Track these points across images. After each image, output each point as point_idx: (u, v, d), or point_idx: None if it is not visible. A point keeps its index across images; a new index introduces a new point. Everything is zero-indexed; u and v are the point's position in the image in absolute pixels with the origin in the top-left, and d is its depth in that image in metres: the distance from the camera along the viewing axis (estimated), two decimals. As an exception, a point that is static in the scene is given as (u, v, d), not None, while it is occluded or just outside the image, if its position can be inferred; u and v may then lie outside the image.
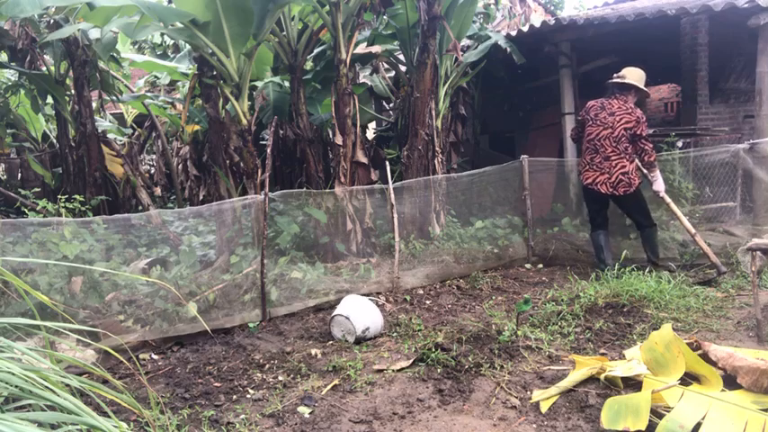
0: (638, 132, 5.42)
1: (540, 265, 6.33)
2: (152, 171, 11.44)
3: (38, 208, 6.04)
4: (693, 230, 5.37)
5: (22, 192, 7.55)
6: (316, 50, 7.62)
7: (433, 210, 6.61)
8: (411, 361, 3.77)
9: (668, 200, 5.52)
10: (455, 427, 2.97)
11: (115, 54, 8.27)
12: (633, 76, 5.57)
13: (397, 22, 7.05)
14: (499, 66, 8.41)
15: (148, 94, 9.23)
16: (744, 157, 5.98)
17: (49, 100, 8.63)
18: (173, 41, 12.33)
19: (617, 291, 4.77)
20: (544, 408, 3.07)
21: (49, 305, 2.12)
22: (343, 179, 6.23)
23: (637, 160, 5.53)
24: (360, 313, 4.27)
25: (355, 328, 4.20)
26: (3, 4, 4.52)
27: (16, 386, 1.58)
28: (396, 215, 5.70)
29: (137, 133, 10.96)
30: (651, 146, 5.48)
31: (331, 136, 6.78)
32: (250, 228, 5.24)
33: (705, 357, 3.18)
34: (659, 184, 5.50)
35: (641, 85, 5.56)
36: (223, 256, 5.37)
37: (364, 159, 6.43)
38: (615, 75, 5.63)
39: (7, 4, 4.51)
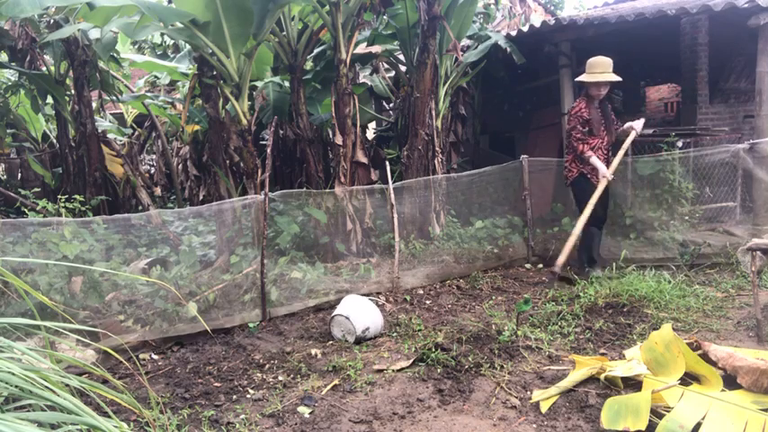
0: (567, 127, 5.55)
1: (540, 265, 6.33)
2: (152, 171, 11.44)
3: (38, 208, 6.04)
4: (578, 231, 5.40)
5: (22, 192, 7.55)
6: (316, 50, 7.62)
7: (433, 210, 6.61)
8: (411, 361, 3.77)
9: (600, 189, 5.36)
10: (455, 427, 2.97)
11: (115, 54, 8.26)
12: (587, 67, 5.53)
13: (397, 22, 7.05)
14: (499, 66, 8.41)
15: (148, 94, 9.23)
16: (744, 157, 5.98)
17: (49, 100, 8.63)
18: (173, 41, 12.33)
19: (617, 291, 4.78)
20: (544, 408, 3.07)
21: (49, 305, 2.12)
22: (343, 179, 6.23)
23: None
24: (360, 313, 4.27)
25: (355, 328, 4.20)
26: (3, 4, 4.52)
27: (16, 386, 1.58)
28: (396, 215, 5.70)
29: (137, 133, 10.96)
30: (576, 140, 5.46)
31: (331, 136, 6.78)
32: (250, 228, 5.24)
33: (705, 357, 3.18)
34: (600, 173, 5.40)
35: (588, 77, 5.44)
36: (223, 256, 5.37)
37: (364, 159, 6.43)
38: None
39: (7, 4, 4.51)
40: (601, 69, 5.46)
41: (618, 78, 5.43)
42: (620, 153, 5.52)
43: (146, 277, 3.03)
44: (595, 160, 5.44)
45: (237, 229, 5.33)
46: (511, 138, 10.01)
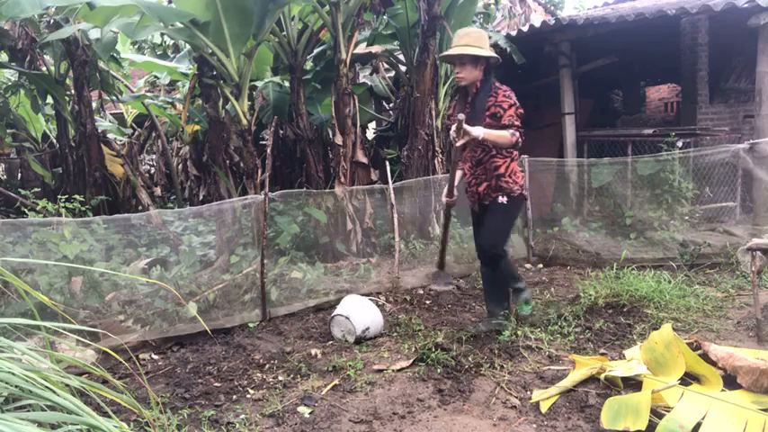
0: None
1: (540, 265, 6.33)
2: (152, 171, 11.44)
3: (38, 208, 6.03)
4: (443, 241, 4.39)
5: (22, 192, 7.54)
6: (316, 50, 7.62)
7: (433, 210, 6.61)
8: (411, 361, 3.77)
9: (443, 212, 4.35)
10: (455, 427, 2.97)
11: (115, 54, 8.27)
12: None
13: (397, 22, 7.06)
14: (499, 66, 8.40)
15: (148, 94, 9.24)
16: (744, 157, 5.98)
17: (49, 100, 8.62)
18: (173, 41, 12.33)
19: (617, 291, 4.77)
20: (544, 408, 3.07)
21: (49, 305, 2.12)
22: (343, 179, 6.23)
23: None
24: (360, 313, 4.27)
25: (355, 328, 4.20)
26: (3, 4, 4.51)
27: (16, 386, 1.58)
28: (396, 215, 5.70)
29: (137, 133, 10.96)
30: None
31: (331, 136, 6.78)
32: (250, 228, 5.24)
33: (705, 357, 3.18)
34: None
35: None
36: (223, 256, 5.37)
37: (364, 159, 6.43)
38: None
39: (7, 4, 4.51)
40: (454, 43, 3.87)
41: (461, 52, 3.78)
42: (452, 170, 4.04)
43: (146, 277, 3.04)
44: (450, 175, 4.05)
45: (237, 229, 5.33)
46: (511, 138, 9.99)
